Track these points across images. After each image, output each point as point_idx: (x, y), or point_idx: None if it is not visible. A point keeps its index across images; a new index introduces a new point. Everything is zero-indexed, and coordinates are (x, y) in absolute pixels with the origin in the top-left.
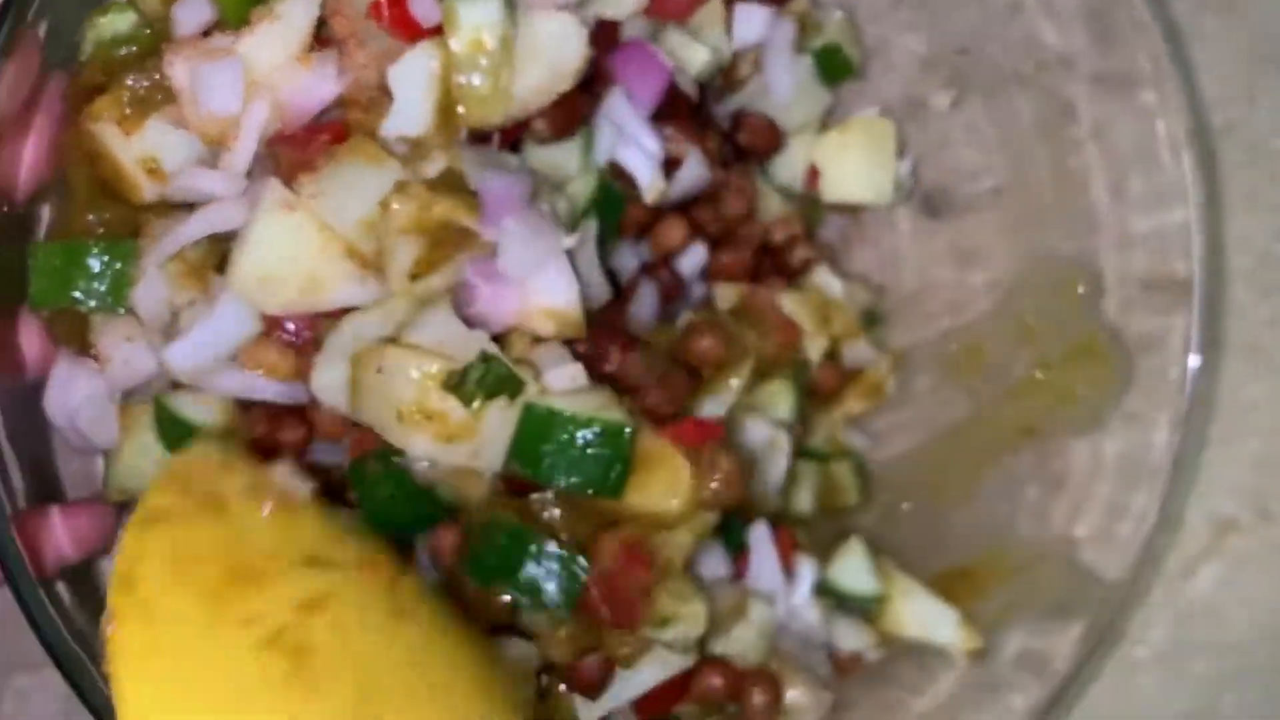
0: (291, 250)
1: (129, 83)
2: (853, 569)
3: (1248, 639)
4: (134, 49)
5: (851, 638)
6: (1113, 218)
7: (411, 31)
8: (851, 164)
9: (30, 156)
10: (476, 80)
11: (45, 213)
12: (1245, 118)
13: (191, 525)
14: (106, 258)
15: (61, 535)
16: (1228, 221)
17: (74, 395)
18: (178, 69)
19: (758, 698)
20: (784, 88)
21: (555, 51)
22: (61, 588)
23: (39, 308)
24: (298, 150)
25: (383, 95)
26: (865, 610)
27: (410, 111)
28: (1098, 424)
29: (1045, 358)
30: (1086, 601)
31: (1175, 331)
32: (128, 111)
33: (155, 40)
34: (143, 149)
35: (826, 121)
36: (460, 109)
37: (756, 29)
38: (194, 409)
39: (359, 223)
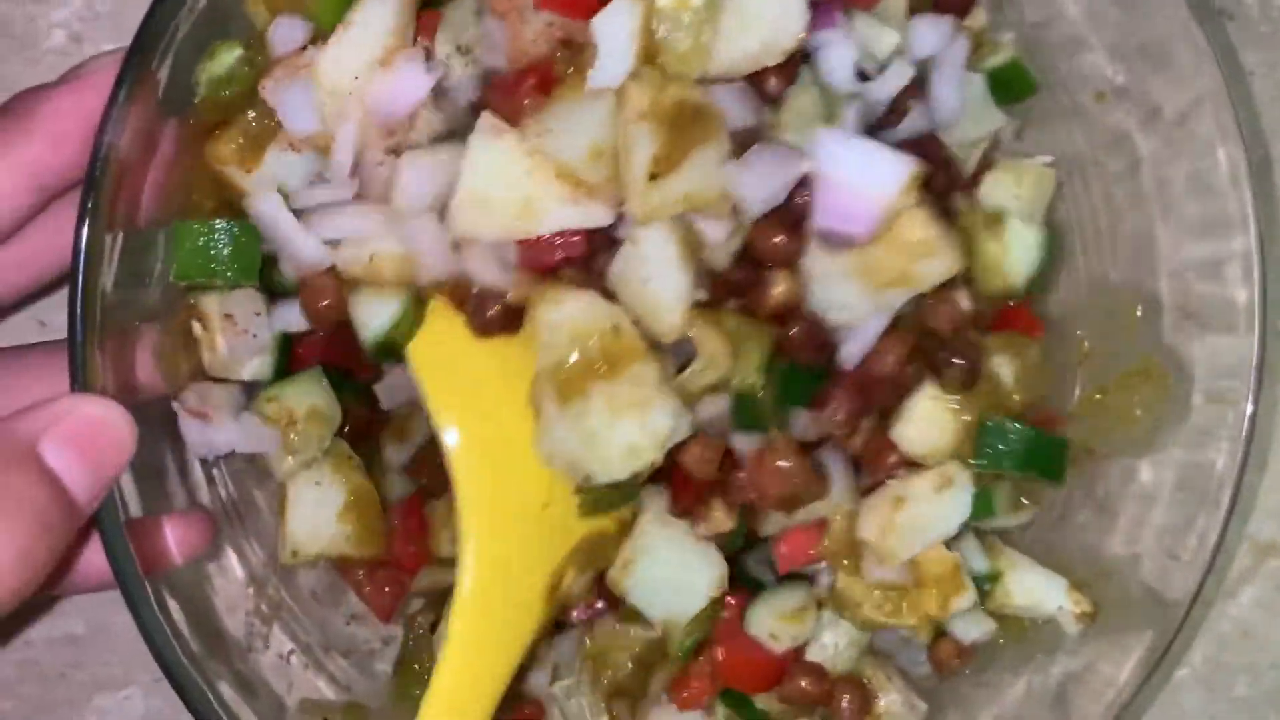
0: (503, 175)
1: (244, 118)
2: (965, 551)
3: None
4: (241, 86)
5: (974, 628)
6: (1170, 244)
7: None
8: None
9: (148, 196)
10: (679, 35)
11: (161, 237)
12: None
13: None
14: (242, 236)
15: (170, 543)
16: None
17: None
18: (269, 93)
19: (846, 705)
20: (953, 104)
21: (771, 26)
22: (171, 602)
23: (180, 280)
24: (506, 96)
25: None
26: (981, 593)
27: (615, 62)
28: (1156, 445)
29: (1103, 379)
30: (1149, 621)
31: (1232, 356)
32: (244, 147)
33: (259, 71)
34: (266, 179)
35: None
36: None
37: (932, 41)
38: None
39: (586, 152)
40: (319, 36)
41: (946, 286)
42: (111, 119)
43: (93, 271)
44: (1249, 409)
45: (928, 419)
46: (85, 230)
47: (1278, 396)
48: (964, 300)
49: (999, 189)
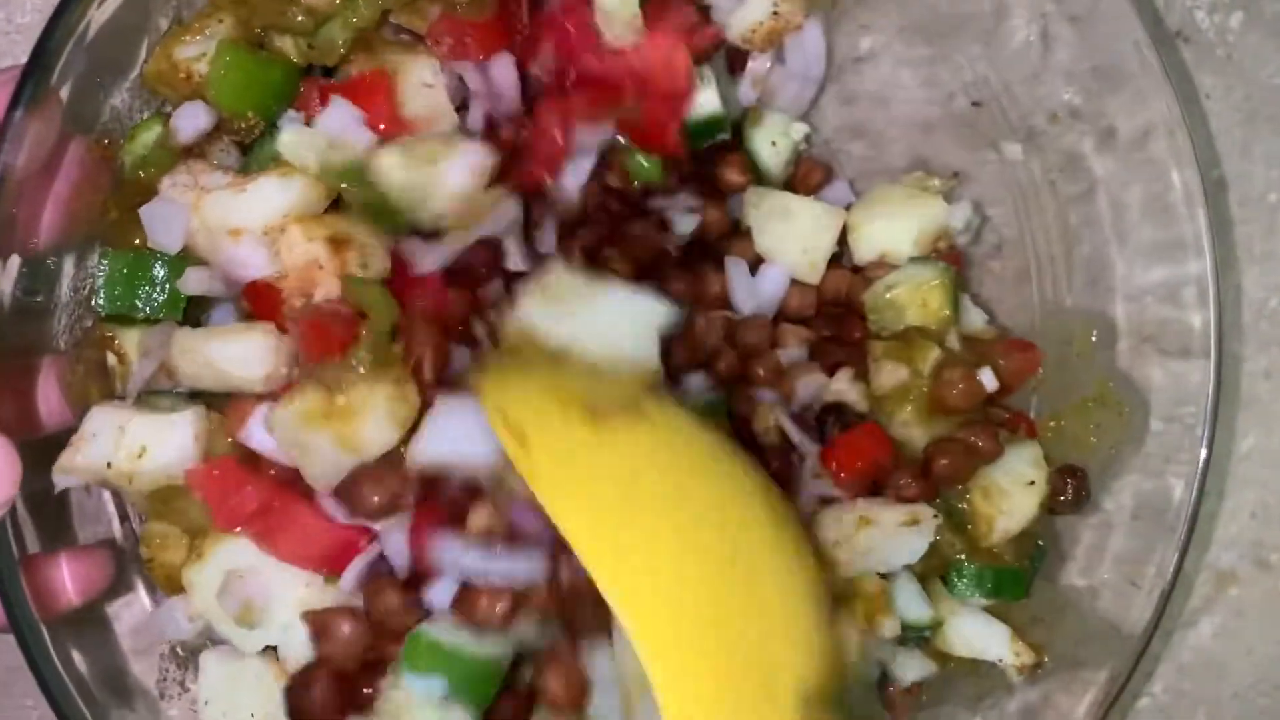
0: None
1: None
2: (906, 599)
3: (1248, 689)
4: (159, 169)
5: (913, 668)
6: (1124, 268)
7: None
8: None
9: (50, 215)
10: None
11: (67, 266)
12: (1241, 172)
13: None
14: (167, 270)
15: (67, 580)
16: (1223, 274)
17: None
18: (143, 213)
19: None
20: None
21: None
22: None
23: (107, 312)
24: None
25: None
26: (921, 638)
27: None
28: (1112, 473)
29: (1059, 406)
30: (1107, 653)
31: (1189, 381)
32: None
33: (174, 154)
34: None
35: None
36: None
37: None
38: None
39: None
40: (221, 124)
41: None
42: (7, 137)
43: None
44: (1205, 433)
45: None
46: None
47: (1235, 422)
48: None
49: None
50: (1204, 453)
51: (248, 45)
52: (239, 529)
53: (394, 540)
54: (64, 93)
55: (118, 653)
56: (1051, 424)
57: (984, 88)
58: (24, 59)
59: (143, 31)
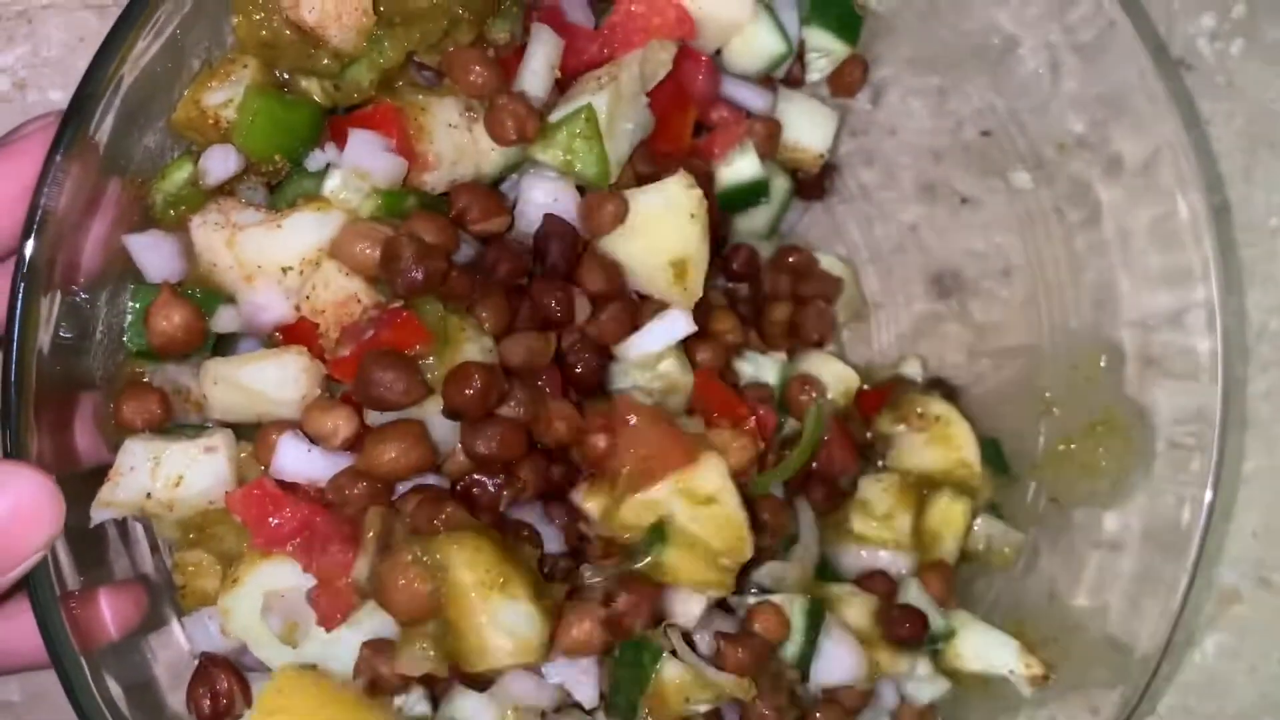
0: None
1: None
2: (915, 600)
3: (1250, 707)
4: (189, 207)
5: (927, 689)
6: (1131, 294)
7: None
8: None
9: (88, 255)
10: None
11: (101, 305)
12: (1243, 197)
13: None
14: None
15: (106, 614)
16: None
17: None
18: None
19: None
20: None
21: None
22: (109, 679)
23: (136, 349)
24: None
25: None
26: (933, 652)
27: None
28: (1121, 495)
29: (1068, 431)
30: (1117, 675)
31: (1194, 405)
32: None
33: (204, 194)
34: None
35: None
36: None
37: None
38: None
39: None
40: (249, 166)
41: None
42: (48, 181)
43: (28, 339)
44: (1214, 458)
45: None
46: (20, 295)
47: (1237, 443)
48: None
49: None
50: (1212, 476)
51: (274, 89)
52: (277, 549)
53: None
54: (102, 135)
55: (155, 685)
56: (1060, 447)
57: (992, 117)
58: (50, 91)
59: (177, 74)
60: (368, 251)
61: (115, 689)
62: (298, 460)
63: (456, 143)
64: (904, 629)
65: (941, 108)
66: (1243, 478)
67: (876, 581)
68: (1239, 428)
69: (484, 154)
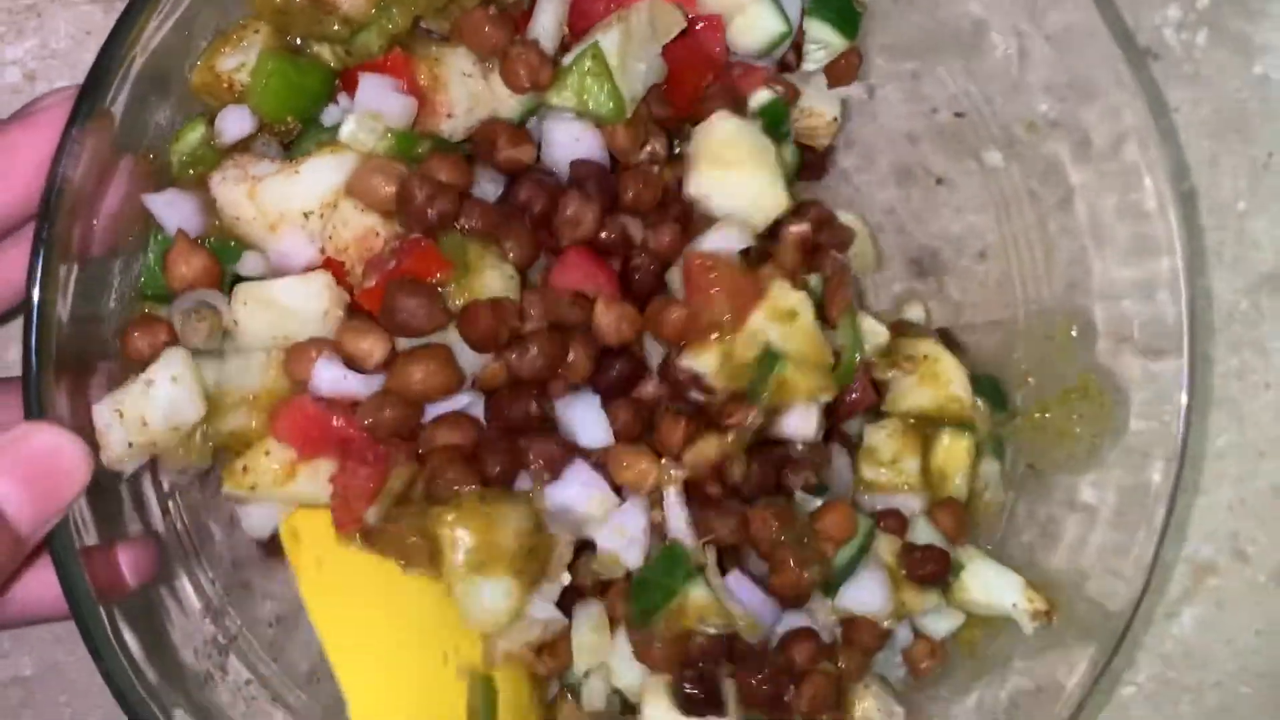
0: None
1: None
2: (926, 538)
3: (1229, 678)
4: (206, 166)
5: (942, 621)
6: (1100, 267)
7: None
8: None
9: (102, 226)
10: None
11: (116, 269)
12: (1211, 182)
13: None
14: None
15: (122, 569)
16: (1195, 279)
17: None
18: (214, 186)
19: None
20: None
21: None
22: (127, 633)
23: (151, 292)
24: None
25: None
26: (944, 586)
27: None
28: (1097, 460)
29: (1044, 399)
30: (1095, 634)
31: (1165, 377)
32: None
33: (219, 153)
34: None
35: None
36: None
37: None
38: None
39: None
40: (264, 126)
41: None
42: (66, 152)
43: (48, 302)
44: (1181, 427)
45: None
46: (40, 260)
47: (1209, 421)
48: None
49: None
50: (1179, 443)
51: (286, 53)
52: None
53: None
54: (116, 110)
55: (167, 640)
56: (1036, 415)
57: (965, 100)
58: (60, 83)
59: (185, 52)
60: (384, 188)
61: (131, 641)
62: (335, 379)
63: (472, 90)
64: (927, 569)
65: (916, 92)
66: (1216, 453)
67: (891, 520)
68: (1212, 406)
69: (502, 100)
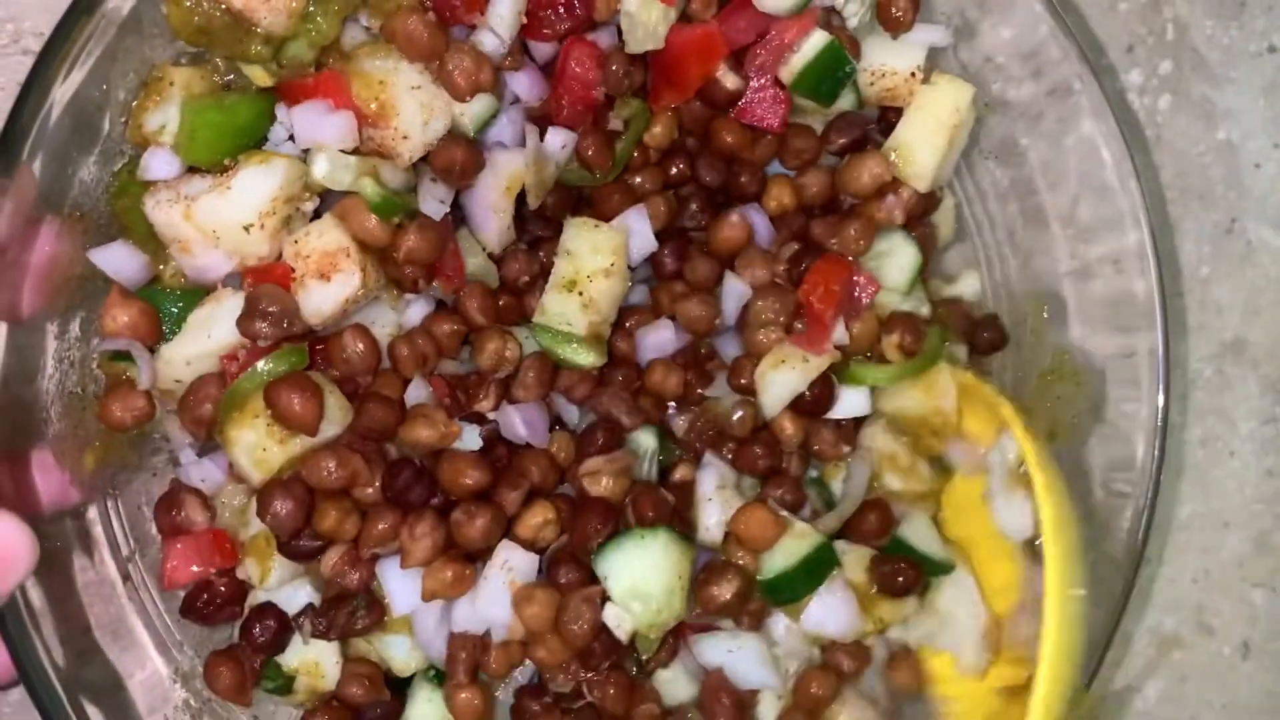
0: None
1: None
2: (921, 532)
3: None
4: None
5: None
6: (1068, 246)
7: None
8: None
9: (31, 287)
10: None
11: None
12: (1173, 247)
13: None
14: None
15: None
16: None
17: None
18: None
19: None
20: None
21: None
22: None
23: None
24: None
25: None
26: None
27: None
28: (1077, 440)
29: (1022, 383)
30: None
31: (1138, 352)
32: None
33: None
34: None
35: None
36: None
37: None
38: None
39: None
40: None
41: None
42: None
43: None
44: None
45: None
46: None
47: (1174, 489)
48: None
49: None
50: (1160, 422)
51: (210, 96)
52: None
53: None
54: (34, 170)
55: (131, 709)
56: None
57: None
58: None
59: (105, 105)
60: (372, 228)
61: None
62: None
63: (423, 102)
64: (898, 582)
65: None
66: (1180, 523)
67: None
68: (1175, 475)
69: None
